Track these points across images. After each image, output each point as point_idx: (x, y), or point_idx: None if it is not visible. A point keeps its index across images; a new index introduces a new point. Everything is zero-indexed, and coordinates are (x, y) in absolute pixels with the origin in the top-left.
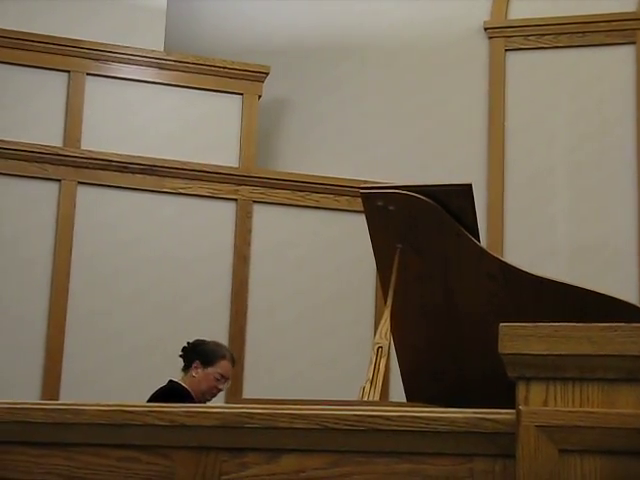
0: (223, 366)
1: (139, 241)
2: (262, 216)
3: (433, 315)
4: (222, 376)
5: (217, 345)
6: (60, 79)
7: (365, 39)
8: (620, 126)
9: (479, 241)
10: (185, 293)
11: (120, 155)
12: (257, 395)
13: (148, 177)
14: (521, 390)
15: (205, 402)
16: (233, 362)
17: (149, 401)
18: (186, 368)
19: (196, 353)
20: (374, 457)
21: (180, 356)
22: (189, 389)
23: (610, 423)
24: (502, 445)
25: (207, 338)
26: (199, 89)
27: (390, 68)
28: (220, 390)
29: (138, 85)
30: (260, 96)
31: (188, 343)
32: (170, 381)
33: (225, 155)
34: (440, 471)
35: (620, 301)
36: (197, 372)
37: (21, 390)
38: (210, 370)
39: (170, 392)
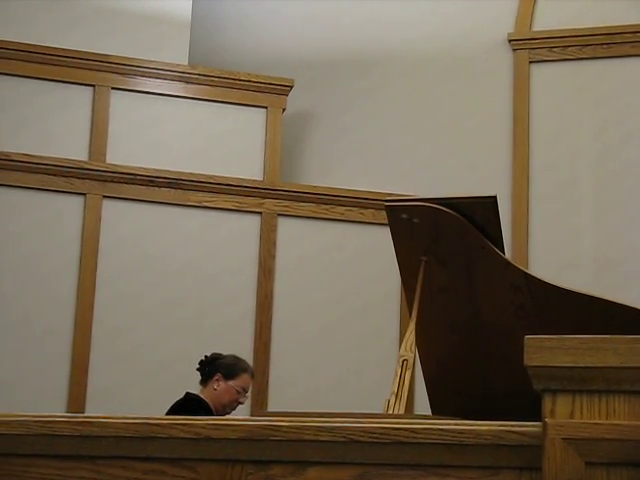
0: (245, 379)
1: (164, 255)
2: (287, 229)
3: (458, 327)
4: (243, 389)
5: (237, 359)
6: (85, 93)
7: (389, 52)
8: None
9: (504, 253)
10: (210, 306)
11: (145, 169)
12: (282, 408)
13: (173, 191)
14: (547, 402)
15: (225, 415)
16: (253, 375)
17: (168, 414)
18: (205, 381)
19: (217, 366)
20: (400, 470)
21: (197, 369)
22: (208, 402)
23: (637, 435)
24: (528, 458)
25: (227, 352)
26: (224, 103)
27: (414, 81)
28: (241, 404)
29: (163, 99)
30: (284, 109)
31: (206, 357)
32: (187, 393)
33: (250, 168)
34: None
35: None
36: (219, 385)
37: (47, 403)
38: (232, 383)
39: (189, 404)
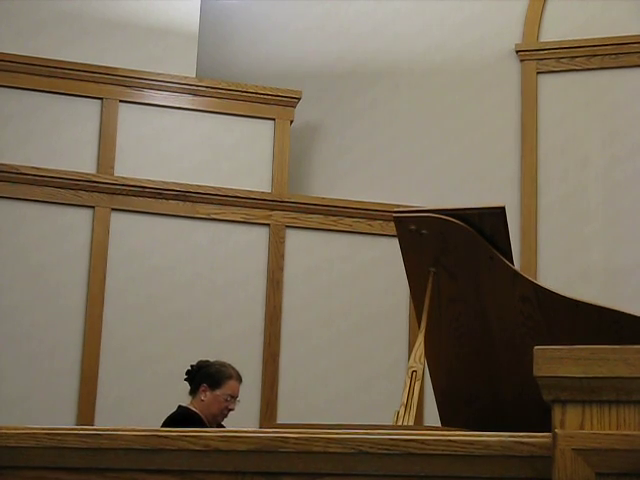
0: (231, 386)
1: (173, 267)
2: (295, 241)
3: (467, 338)
4: (231, 396)
5: (222, 365)
6: (93, 106)
7: (396, 63)
8: None
9: (513, 264)
10: (219, 318)
11: (153, 181)
12: (291, 420)
13: (181, 203)
14: (557, 413)
15: (218, 424)
16: (240, 380)
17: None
18: (193, 392)
19: (201, 376)
20: None
21: (185, 380)
22: (199, 413)
23: None
24: (538, 469)
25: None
26: (231, 115)
27: (422, 92)
28: (231, 410)
29: (171, 112)
30: (292, 121)
31: (192, 366)
32: (179, 406)
33: (258, 180)
34: None
35: None
36: (205, 395)
37: (57, 416)
38: (218, 392)
39: (180, 417)
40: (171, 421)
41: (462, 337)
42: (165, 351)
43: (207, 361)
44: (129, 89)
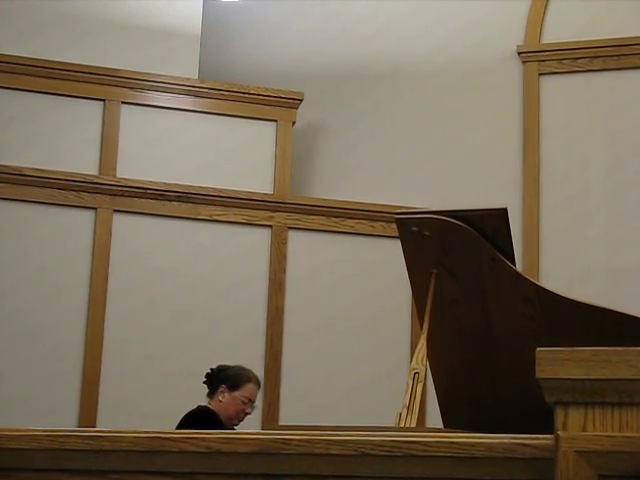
0: (249, 389)
1: (175, 268)
2: (297, 242)
3: (469, 340)
4: (249, 400)
5: (242, 369)
6: (95, 108)
7: (398, 65)
8: None
9: (515, 265)
10: (221, 319)
11: (155, 183)
12: (293, 421)
13: (183, 204)
14: (559, 415)
15: (233, 427)
16: (258, 385)
17: (179, 426)
18: (211, 393)
19: (222, 378)
20: None
21: (204, 382)
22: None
23: None
24: (540, 471)
25: (235, 364)
26: (233, 116)
27: (424, 93)
28: (248, 414)
29: (173, 113)
30: (294, 122)
31: (212, 369)
32: (199, 406)
33: (260, 182)
34: None
35: None
36: (224, 396)
37: (58, 417)
38: (237, 394)
39: (200, 414)
40: (191, 418)
41: (464, 338)
42: (167, 352)
43: (227, 365)
44: (131, 91)
